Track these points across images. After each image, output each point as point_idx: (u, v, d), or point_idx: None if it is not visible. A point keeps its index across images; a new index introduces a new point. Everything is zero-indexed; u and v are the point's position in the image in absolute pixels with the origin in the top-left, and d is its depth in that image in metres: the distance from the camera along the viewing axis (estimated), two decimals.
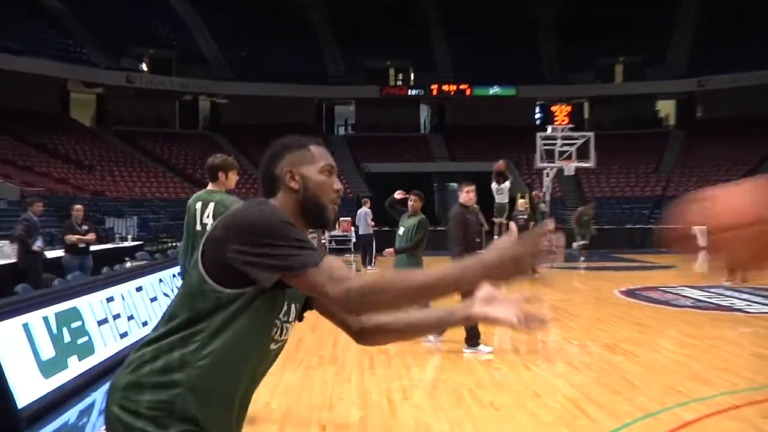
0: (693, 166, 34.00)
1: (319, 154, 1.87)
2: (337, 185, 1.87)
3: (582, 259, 19.25)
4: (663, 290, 12.90)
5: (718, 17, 37.40)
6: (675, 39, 39.93)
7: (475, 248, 7.28)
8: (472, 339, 7.38)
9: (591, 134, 26.12)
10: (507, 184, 18.22)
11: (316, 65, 39.21)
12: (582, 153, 25.72)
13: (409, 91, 39.76)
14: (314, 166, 1.84)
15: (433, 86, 38.73)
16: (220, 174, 5.22)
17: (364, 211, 18.30)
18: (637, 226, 27.04)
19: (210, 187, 5.27)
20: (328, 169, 1.86)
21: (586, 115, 40.37)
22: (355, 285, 1.56)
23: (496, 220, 18.68)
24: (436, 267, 1.57)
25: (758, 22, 35.69)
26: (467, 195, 7.46)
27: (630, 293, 12.59)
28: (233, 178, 5.25)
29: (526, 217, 15.97)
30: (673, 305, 11.01)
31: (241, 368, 1.68)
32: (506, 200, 18.89)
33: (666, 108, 41.22)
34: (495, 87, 38.40)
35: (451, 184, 39.08)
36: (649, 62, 39.14)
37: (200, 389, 1.62)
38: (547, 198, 24.60)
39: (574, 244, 18.96)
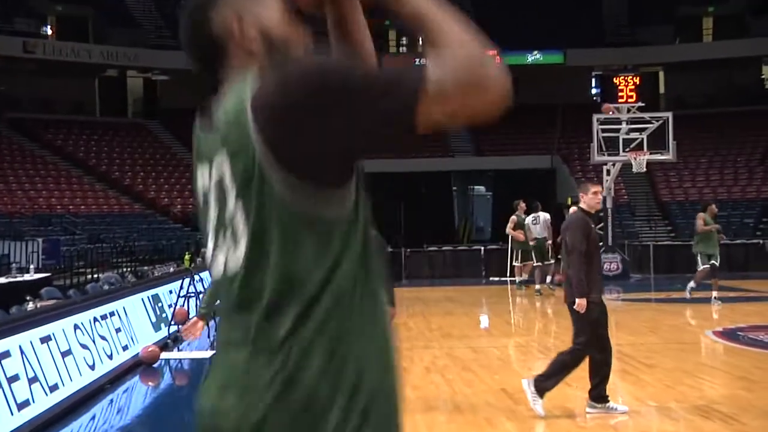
0: None
1: None
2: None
3: (714, 295, 17.46)
4: None
5: None
6: None
7: (597, 264, 7.91)
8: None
9: (668, 114, 26.16)
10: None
11: None
12: (657, 142, 25.79)
13: (418, 60, 39.95)
14: (271, 3, 1.72)
15: None
16: None
17: None
18: (738, 241, 26.99)
19: None
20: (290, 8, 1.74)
21: (662, 89, 40.52)
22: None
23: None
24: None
25: None
26: (594, 198, 7.86)
27: (730, 335, 12.59)
28: None
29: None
30: None
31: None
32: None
33: None
34: (535, 53, 38.59)
35: (476, 187, 39.33)
36: (754, 11, 39.25)
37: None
38: (609, 204, 24.62)
39: (699, 268, 17.13)
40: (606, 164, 25.49)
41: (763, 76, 41.48)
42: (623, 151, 25.10)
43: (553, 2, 38.55)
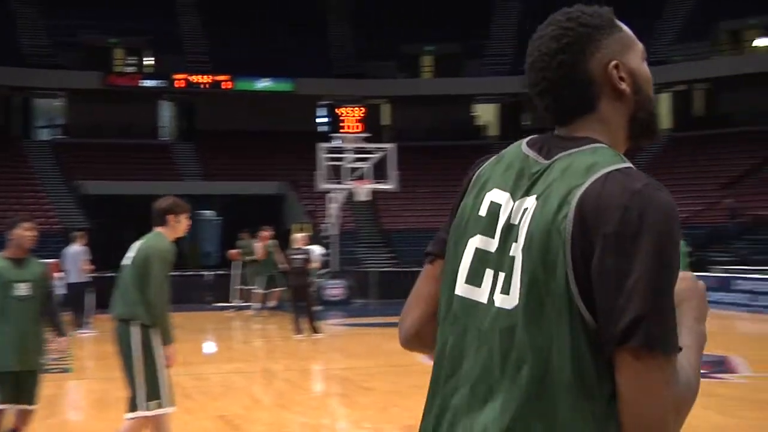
0: None
1: (629, 31, 1.78)
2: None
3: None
4: None
5: None
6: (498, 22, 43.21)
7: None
8: None
9: (392, 146, 27.13)
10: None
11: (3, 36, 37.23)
12: (381, 172, 26.63)
13: (143, 81, 39.11)
14: (635, 52, 1.76)
15: (178, 76, 38.44)
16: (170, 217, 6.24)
17: (76, 249, 17.65)
18: None
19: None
20: (645, 55, 1.80)
21: (387, 121, 42.12)
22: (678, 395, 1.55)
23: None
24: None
25: None
26: None
27: None
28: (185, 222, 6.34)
29: (305, 257, 16.36)
30: None
31: None
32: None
33: (487, 114, 44.33)
34: (265, 79, 38.96)
35: (204, 211, 38.92)
36: (470, 53, 41.92)
37: None
38: (335, 231, 25.28)
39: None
40: (332, 192, 26.10)
41: (472, 114, 44.33)
42: (347, 179, 25.83)
43: (284, 32, 39.20)
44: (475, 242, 1.70)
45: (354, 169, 26.24)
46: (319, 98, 40.83)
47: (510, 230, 1.65)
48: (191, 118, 40.43)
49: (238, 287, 20.94)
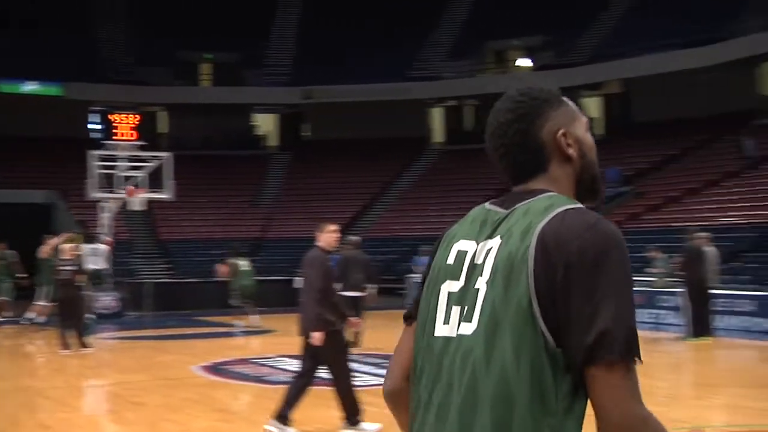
0: (298, 200, 36.95)
1: (574, 106, 2.03)
2: None
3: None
4: (257, 362, 13.67)
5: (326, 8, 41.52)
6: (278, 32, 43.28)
7: (333, 297, 8.32)
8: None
9: (168, 154, 26.65)
10: None
11: None
12: (157, 180, 26.07)
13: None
14: (580, 123, 2.02)
15: None
16: None
17: None
18: (212, 280, 27.07)
19: None
20: (589, 126, 2.06)
21: (164, 129, 41.24)
22: (646, 414, 1.70)
23: None
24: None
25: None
26: (331, 236, 8.37)
27: (214, 369, 13.07)
28: None
29: (74, 268, 15.58)
30: (268, 382, 11.72)
31: None
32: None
33: (267, 124, 44.31)
34: (31, 83, 36.99)
35: None
36: (250, 62, 41.66)
37: None
38: (106, 241, 24.34)
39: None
40: (104, 201, 25.22)
41: (251, 123, 44.21)
42: (120, 187, 25.11)
43: (52, 33, 37.22)
44: (446, 287, 1.90)
45: (128, 178, 25.47)
46: (90, 104, 39.28)
47: (474, 268, 1.85)
48: None
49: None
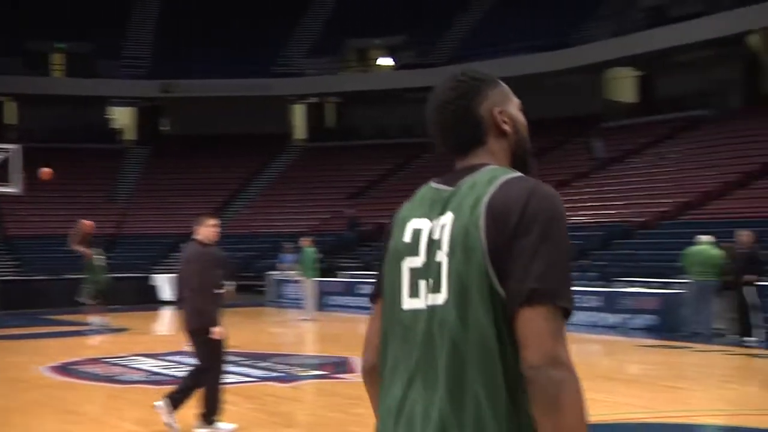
0: (156, 195, 36.12)
1: (509, 89, 2.22)
2: None
3: None
4: (109, 362, 13.30)
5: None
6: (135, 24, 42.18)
7: (213, 292, 8.18)
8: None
9: (16, 147, 25.77)
10: None
11: None
12: (3, 174, 25.17)
13: None
14: (514, 103, 2.21)
15: None
16: None
17: None
18: (63, 277, 26.42)
19: None
20: (522, 107, 2.23)
21: (14, 120, 39.68)
22: (565, 358, 1.84)
23: None
24: None
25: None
26: (210, 229, 8.22)
27: (64, 369, 12.65)
28: None
29: None
30: (120, 381, 11.44)
31: None
32: None
33: (124, 117, 43.13)
34: None
35: None
36: (105, 53, 40.37)
37: None
38: None
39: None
40: None
41: (107, 116, 42.94)
42: None
43: None
44: (407, 263, 2.05)
45: None
46: None
47: (432, 244, 2.01)
48: None
49: None
